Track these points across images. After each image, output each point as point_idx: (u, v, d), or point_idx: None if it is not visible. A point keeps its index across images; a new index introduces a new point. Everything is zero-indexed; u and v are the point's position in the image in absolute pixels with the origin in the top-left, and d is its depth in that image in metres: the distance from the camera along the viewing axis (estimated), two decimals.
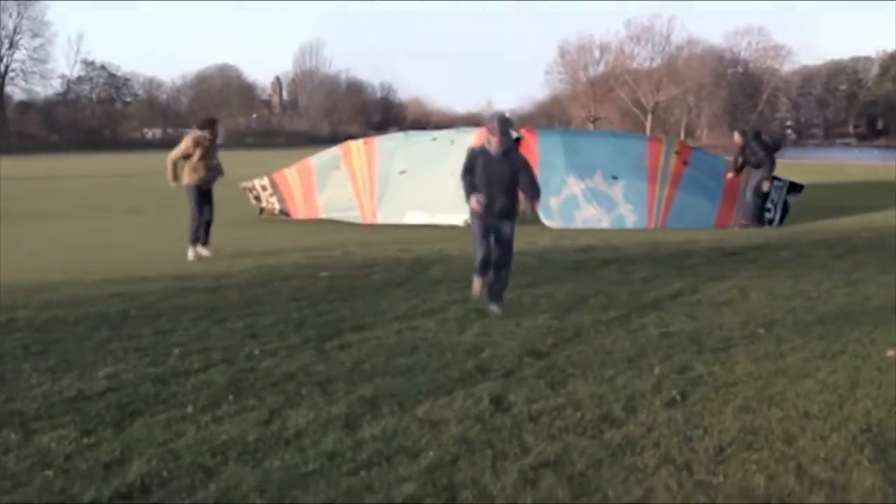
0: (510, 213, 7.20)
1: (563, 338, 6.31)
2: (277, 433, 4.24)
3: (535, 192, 7.18)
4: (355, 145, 16.18)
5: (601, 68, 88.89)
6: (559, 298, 7.79)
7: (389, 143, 16.30)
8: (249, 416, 4.48)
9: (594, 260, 10.17)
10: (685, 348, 5.96)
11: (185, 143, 10.08)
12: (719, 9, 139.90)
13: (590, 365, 5.56)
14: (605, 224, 13.94)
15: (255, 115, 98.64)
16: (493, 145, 6.98)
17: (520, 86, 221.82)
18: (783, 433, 4.23)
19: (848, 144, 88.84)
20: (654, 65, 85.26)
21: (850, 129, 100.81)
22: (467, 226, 11.80)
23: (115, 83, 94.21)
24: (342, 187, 15.46)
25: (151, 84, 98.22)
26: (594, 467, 3.81)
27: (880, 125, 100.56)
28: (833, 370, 5.34)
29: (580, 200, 14.28)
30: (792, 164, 31.27)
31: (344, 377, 5.24)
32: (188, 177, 10.01)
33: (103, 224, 15.00)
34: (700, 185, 14.42)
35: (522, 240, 12.09)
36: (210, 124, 10.53)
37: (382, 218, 14.75)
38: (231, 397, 4.82)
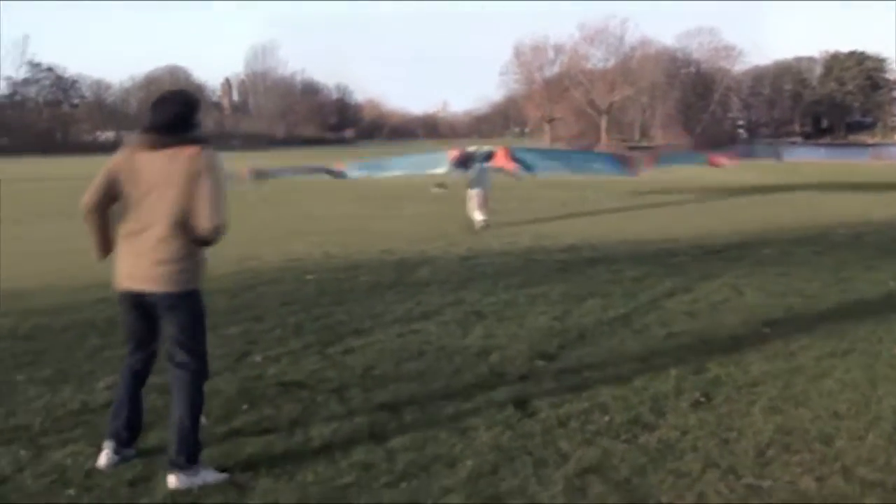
0: None
1: (568, 339, 6.22)
2: (303, 444, 4.08)
3: None
4: None
5: (556, 69, 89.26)
6: (554, 299, 7.70)
7: None
8: (270, 427, 4.31)
9: (580, 259, 10.11)
10: (695, 349, 5.91)
11: None
12: (671, 10, 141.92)
13: (603, 367, 5.48)
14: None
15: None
16: None
17: (475, 86, 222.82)
18: (819, 434, 4.18)
19: (794, 143, 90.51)
20: (609, 65, 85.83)
21: (797, 127, 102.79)
22: None
23: (63, 85, 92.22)
24: None
25: (99, 86, 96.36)
26: (639, 473, 3.72)
27: (825, 124, 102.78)
28: (847, 369, 5.32)
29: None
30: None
31: (357, 384, 5.09)
32: None
33: (69, 228, 14.44)
34: None
35: (502, 240, 12.10)
36: None
37: None
38: (245, 406, 4.64)
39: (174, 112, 3.70)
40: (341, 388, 4.98)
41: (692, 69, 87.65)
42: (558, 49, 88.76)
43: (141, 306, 3.74)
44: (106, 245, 3.82)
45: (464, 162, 15.52)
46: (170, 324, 3.70)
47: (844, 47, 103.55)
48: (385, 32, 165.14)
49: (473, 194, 14.51)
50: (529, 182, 24.06)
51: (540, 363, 5.57)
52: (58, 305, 7.55)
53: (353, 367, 5.48)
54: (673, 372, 5.28)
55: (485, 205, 14.35)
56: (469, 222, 14.09)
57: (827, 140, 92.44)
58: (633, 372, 5.32)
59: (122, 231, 3.70)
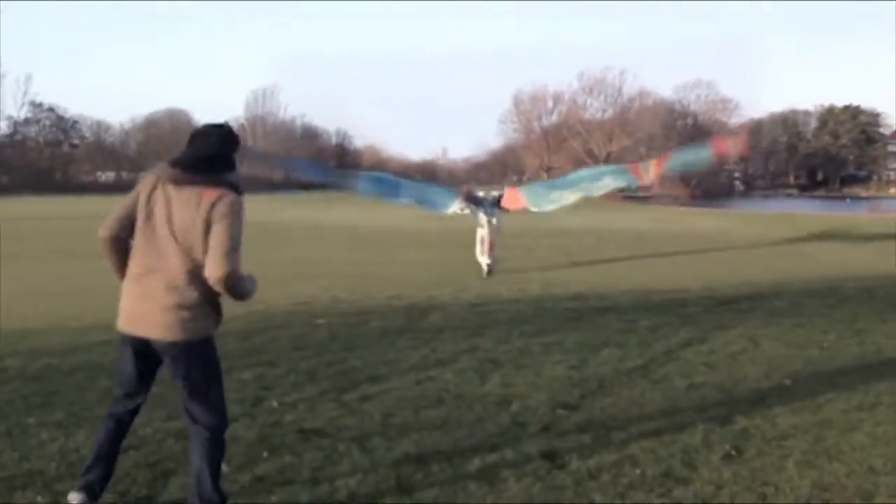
0: None
1: (588, 389, 6.11)
2: (329, 495, 3.95)
3: None
4: None
5: (554, 118, 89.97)
6: (569, 347, 7.60)
7: None
8: (293, 477, 4.18)
9: (591, 308, 10.02)
10: (718, 400, 5.81)
11: None
12: (669, 62, 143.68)
13: (627, 418, 5.37)
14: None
15: None
16: None
17: (475, 134, 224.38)
18: (857, 489, 4.08)
19: (790, 195, 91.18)
20: (607, 116, 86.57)
21: (791, 179, 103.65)
22: None
23: (63, 125, 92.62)
24: None
25: (100, 126, 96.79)
26: None
27: (819, 176, 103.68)
28: (877, 422, 5.23)
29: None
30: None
31: (378, 432, 4.97)
32: None
33: (75, 268, 14.43)
34: None
35: (511, 287, 12.03)
36: None
37: None
38: (265, 454, 4.52)
39: (207, 149, 3.49)
40: (362, 437, 4.86)
41: (689, 121, 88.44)
42: (557, 98, 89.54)
43: (143, 354, 3.51)
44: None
45: (473, 199, 15.56)
46: (181, 376, 3.47)
47: (839, 101, 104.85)
48: (385, 78, 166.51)
49: (480, 238, 14.70)
50: (535, 231, 24.13)
51: (562, 413, 5.47)
52: (64, 346, 7.42)
53: (372, 414, 5.36)
54: (699, 424, 5.18)
55: (491, 250, 14.48)
56: (478, 267, 14.08)
57: (822, 192, 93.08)
58: (658, 424, 5.21)
59: (132, 268, 3.48)
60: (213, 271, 3.32)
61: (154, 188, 3.47)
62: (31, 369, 6.50)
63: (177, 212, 3.40)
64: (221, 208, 3.37)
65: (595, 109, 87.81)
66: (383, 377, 6.40)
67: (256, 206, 25.90)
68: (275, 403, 5.58)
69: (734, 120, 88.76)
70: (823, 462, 4.49)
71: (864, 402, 5.71)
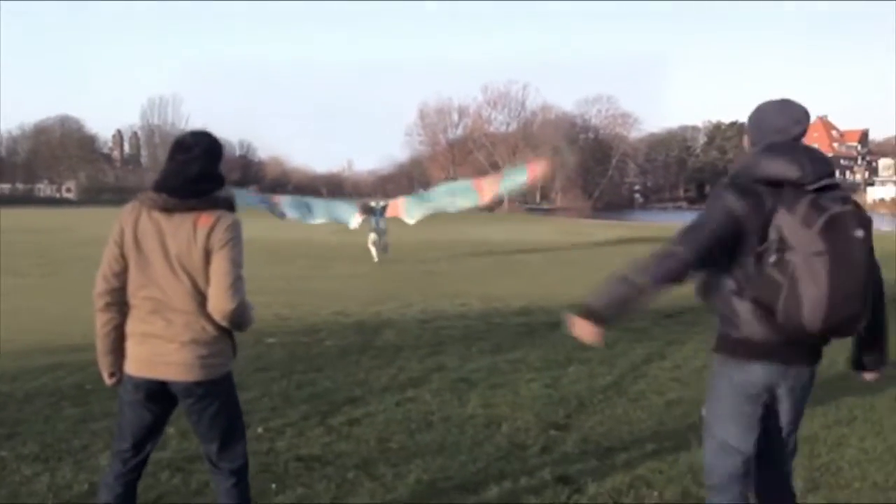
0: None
1: (570, 408, 6.12)
2: None
3: None
4: None
5: (459, 131, 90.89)
6: (535, 365, 7.61)
7: None
8: None
9: (540, 323, 10.06)
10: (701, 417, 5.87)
11: None
12: (570, 76, 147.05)
13: (620, 437, 5.39)
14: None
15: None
16: None
17: (380, 146, 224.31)
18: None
19: (680, 207, 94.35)
20: (511, 129, 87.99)
21: (682, 192, 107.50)
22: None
23: None
24: None
25: None
26: None
27: (707, 189, 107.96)
28: (861, 437, 5.40)
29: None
30: None
31: (380, 459, 4.83)
32: None
33: None
34: None
35: (452, 301, 12.00)
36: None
37: None
38: (274, 486, 4.33)
39: (193, 169, 3.10)
40: (366, 464, 4.72)
41: (591, 135, 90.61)
42: (462, 112, 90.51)
43: (159, 398, 3.18)
44: (119, 355, 3.19)
45: (368, 209, 20.86)
46: (200, 418, 3.20)
47: (726, 118, 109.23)
48: (288, 89, 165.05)
49: (372, 237, 19.83)
50: (455, 244, 24.20)
51: (555, 434, 5.44)
52: (9, 371, 6.97)
53: (367, 439, 5.21)
54: (693, 440, 5.22)
55: (380, 243, 19.64)
56: (416, 281, 14.05)
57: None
58: (654, 443, 5.24)
59: (135, 308, 3.14)
60: (220, 305, 3.04)
61: (139, 218, 3.12)
62: None
63: (171, 242, 3.07)
64: (220, 233, 3.07)
65: (499, 123, 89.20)
66: (361, 399, 6.24)
67: None
68: (260, 430, 5.37)
69: (634, 134, 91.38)
70: (828, 478, 4.59)
71: (841, 416, 5.87)
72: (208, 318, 3.09)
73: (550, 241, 30.27)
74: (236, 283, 3.06)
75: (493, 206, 74.31)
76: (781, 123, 3.03)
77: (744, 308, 2.92)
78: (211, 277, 3.05)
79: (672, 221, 53.41)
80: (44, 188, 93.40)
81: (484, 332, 9.38)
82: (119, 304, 3.15)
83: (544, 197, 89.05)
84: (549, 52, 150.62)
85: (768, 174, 2.85)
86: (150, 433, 3.27)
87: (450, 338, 9.00)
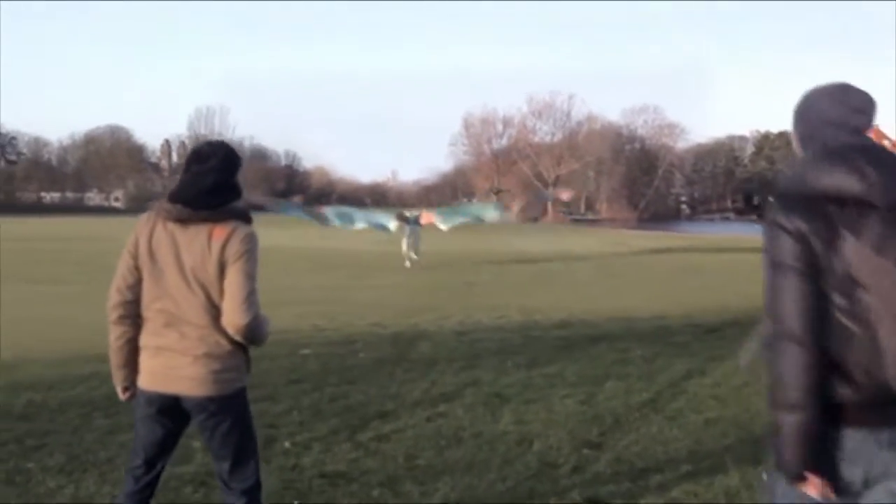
0: None
1: (605, 426, 5.96)
2: None
3: None
4: None
5: (504, 141, 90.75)
6: (571, 380, 7.46)
7: None
8: None
9: (580, 336, 9.91)
10: (739, 438, 5.70)
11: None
12: (616, 86, 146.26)
13: (655, 458, 5.22)
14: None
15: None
16: None
17: (425, 156, 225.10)
18: None
19: (727, 218, 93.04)
20: (556, 139, 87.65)
21: (729, 203, 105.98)
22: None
23: (0, 141, 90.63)
24: None
25: (37, 143, 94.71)
26: None
27: (756, 200, 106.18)
28: None
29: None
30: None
31: (407, 476, 4.74)
32: None
33: (34, 294, 13.89)
34: None
35: (491, 314, 11.88)
36: None
37: None
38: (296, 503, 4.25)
39: (209, 179, 3.07)
40: (392, 481, 4.62)
41: (637, 145, 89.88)
42: (507, 122, 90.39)
43: (172, 413, 3.11)
44: (133, 368, 3.15)
45: (404, 218, 23.07)
46: (212, 435, 3.12)
47: (774, 127, 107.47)
48: (335, 99, 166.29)
49: (407, 242, 21.85)
50: (498, 254, 24.14)
51: (587, 452, 5.29)
52: (45, 380, 7.03)
53: (395, 456, 5.12)
54: (730, 463, 5.04)
55: (412, 248, 21.74)
56: (456, 291, 14.01)
57: (758, 216, 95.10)
58: (689, 463, 5.07)
59: (149, 321, 3.09)
60: (235, 320, 2.98)
61: (154, 229, 3.09)
62: (17, 406, 6.13)
63: (186, 254, 3.03)
64: (235, 245, 3.02)
65: (544, 133, 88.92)
66: (392, 413, 6.16)
67: None
68: (287, 444, 5.31)
69: (680, 144, 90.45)
70: None
71: None
72: (222, 332, 3.03)
73: (595, 252, 30.00)
74: (250, 297, 3.00)
75: (538, 217, 74.26)
76: (837, 114, 2.29)
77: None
78: (225, 291, 3.00)
79: (720, 233, 52.76)
80: (93, 197, 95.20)
81: (521, 346, 9.25)
82: (133, 316, 3.11)
83: (589, 207, 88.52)
84: (595, 61, 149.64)
85: (823, 188, 2.18)
86: (163, 450, 3.20)
87: (486, 351, 8.89)
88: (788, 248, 2.16)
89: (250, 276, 3.03)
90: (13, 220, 49.05)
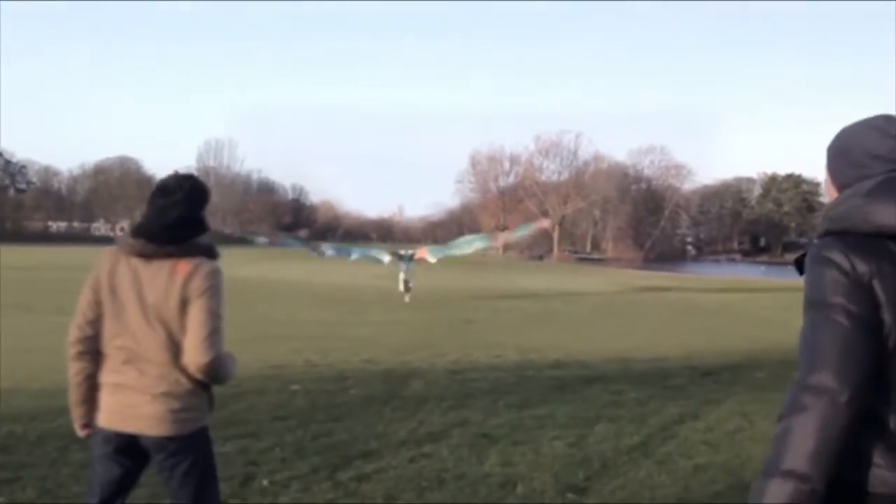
0: None
1: (592, 469, 5.84)
2: None
3: None
4: None
5: (511, 179, 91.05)
6: (562, 422, 7.34)
7: None
8: None
9: (574, 378, 9.79)
10: (729, 484, 5.59)
11: None
12: (624, 126, 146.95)
13: (640, 503, 5.10)
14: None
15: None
16: None
17: (431, 192, 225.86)
18: None
19: (733, 259, 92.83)
20: (562, 178, 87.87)
21: (735, 245, 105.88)
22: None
23: (11, 169, 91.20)
24: None
25: (47, 172, 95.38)
26: None
27: (762, 242, 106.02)
28: None
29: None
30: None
31: None
32: None
33: (31, 324, 13.82)
34: None
35: (488, 352, 11.77)
36: None
37: None
38: None
39: (174, 214, 3.02)
40: None
41: (643, 185, 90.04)
42: (514, 160, 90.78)
43: (129, 452, 3.02)
44: (91, 406, 3.05)
45: (398, 255, 23.83)
46: (171, 475, 3.02)
47: (781, 169, 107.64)
48: (342, 135, 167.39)
49: (402, 279, 22.56)
50: (497, 291, 24.04)
51: (571, 497, 5.19)
52: (28, 411, 6.95)
53: (374, 497, 5.01)
54: None
55: (407, 285, 22.29)
56: (452, 329, 13.90)
57: (765, 258, 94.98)
58: None
59: (109, 357, 3.01)
60: (195, 358, 2.90)
61: (116, 264, 3.02)
62: None
63: (148, 289, 2.95)
64: (198, 281, 2.95)
65: (551, 171, 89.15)
66: (375, 453, 6.05)
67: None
68: (265, 482, 5.20)
69: (687, 186, 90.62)
70: None
71: None
72: (183, 370, 2.95)
73: (596, 291, 29.88)
74: (212, 336, 2.92)
75: (543, 255, 74.17)
76: (885, 148, 1.99)
77: (870, 441, 1.83)
78: (187, 328, 2.92)
79: (725, 274, 52.63)
80: (99, 227, 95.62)
81: (514, 385, 9.14)
82: (93, 352, 3.05)
83: (595, 247, 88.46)
84: (602, 101, 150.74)
85: (884, 224, 1.86)
86: (119, 490, 3.11)
87: (478, 390, 8.77)
88: (842, 288, 1.82)
89: (213, 314, 2.95)
90: (19, 248, 49.20)
